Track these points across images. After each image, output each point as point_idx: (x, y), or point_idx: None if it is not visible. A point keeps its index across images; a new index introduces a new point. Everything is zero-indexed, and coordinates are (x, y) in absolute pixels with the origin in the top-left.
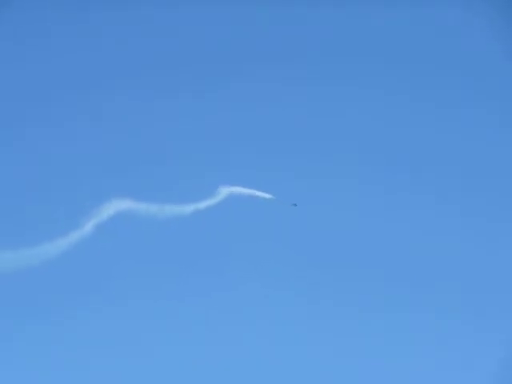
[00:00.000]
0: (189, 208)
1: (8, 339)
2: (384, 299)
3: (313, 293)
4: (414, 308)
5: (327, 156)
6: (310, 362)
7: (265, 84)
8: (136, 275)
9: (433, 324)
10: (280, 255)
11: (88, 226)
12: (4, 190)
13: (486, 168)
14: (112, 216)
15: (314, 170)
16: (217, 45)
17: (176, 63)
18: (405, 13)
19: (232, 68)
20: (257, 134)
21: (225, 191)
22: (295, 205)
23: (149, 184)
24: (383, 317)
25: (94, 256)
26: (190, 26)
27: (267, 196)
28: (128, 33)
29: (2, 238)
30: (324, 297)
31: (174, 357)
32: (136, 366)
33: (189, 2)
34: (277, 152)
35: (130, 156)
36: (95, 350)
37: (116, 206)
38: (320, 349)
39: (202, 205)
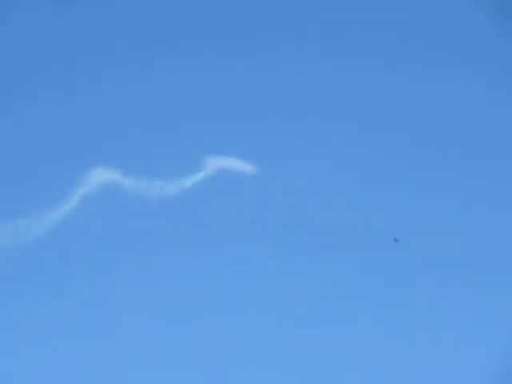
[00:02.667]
0: (173, 183)
1: None
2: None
3: (313, 276)
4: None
5: (324, 129)
6: (312, 346)
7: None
8: (122, 255)
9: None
10: (272, 236)
11: (73, 200)
12: None
13: (488, 164)
14: (97, 188)
15: (312, 143)
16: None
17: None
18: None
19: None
20: (247, 103)
21: (212, 163)
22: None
23: (131, 155)
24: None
25: (78, 232)
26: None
27: (252, 169)
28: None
29: None
30: (322, 279)
31: (165, 340)
32: (123, 349)
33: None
34: (267, 122)
35: (112, 126)
36: (80, 330)
37: (100, 177)
38: (320, 334)
39: (188, 180)
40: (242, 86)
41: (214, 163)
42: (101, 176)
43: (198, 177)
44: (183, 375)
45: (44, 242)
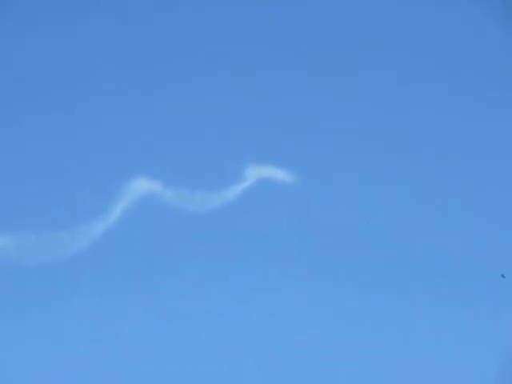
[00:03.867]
0: (214, 194)
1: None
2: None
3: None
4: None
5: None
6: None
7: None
8: (163, 268)
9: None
10: (316, 252)
11: (113, 212)
12: (22, 174)
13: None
14: (137, 200)
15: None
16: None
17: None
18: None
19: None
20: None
21: (253, 173)
22: (503, 276)
23: (172, 165)
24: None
25: (119, 246)
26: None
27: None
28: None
29: (25, 221)
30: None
31: (200, 349)
32: (150, 360)
33: None
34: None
35: (148, 135)
36: (115, 344)
37: (140, 188)
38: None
39: (229, 191)
40: (280, 92)
41: (255, 172)
42: (141, 187)
43: (239, 187)
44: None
45: (84, 255)
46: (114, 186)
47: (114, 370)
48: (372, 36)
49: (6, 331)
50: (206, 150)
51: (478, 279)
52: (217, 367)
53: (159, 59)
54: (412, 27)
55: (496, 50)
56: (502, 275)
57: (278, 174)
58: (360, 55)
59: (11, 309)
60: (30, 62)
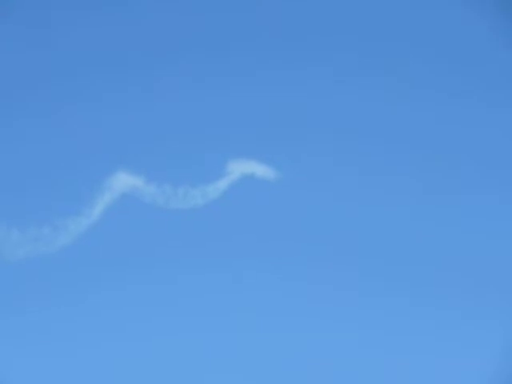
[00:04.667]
0: (197, 190)
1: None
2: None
3: (340, 284)
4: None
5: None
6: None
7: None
8: (145, 265)
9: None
10: (300, 249)
11: (95, 208)
12: (4, 170)
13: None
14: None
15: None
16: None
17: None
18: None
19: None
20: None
21: (236, 168)
22: None
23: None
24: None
25: (100, 241)
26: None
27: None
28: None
29: (8, 217)
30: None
31: (192, 348)
32: (140, 355)
33: None
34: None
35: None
36: (101, 339)
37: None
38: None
39: (212, 187)
40: (264, 89)
41: (238, 168)
42: (124, 183)
43: (222, 183)
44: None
45: (67, 251)
46: (96, 181)
47: (99, 364)
48: (370, 38)
49: None
50: (188, 146)
51: (477, 280)
52: (202, 366)
53: (145, 56)
54: (410, 30)
55: (491, 51)
56: None
57: (262, 169)
58: (342, 50)
59: None
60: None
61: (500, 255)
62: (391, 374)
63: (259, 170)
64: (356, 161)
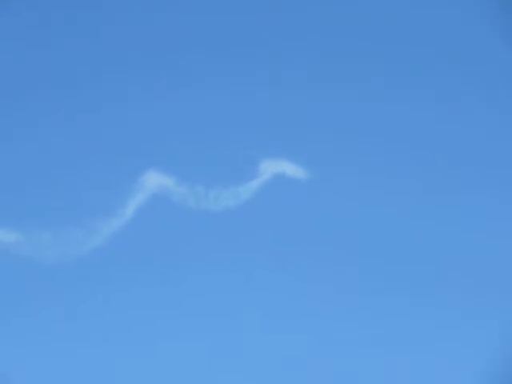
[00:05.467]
0: (228, 191)
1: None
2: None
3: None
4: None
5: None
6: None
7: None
8: (176, 268)
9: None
10: (331, 250)
11: (128, 209)
12: (36, 172)
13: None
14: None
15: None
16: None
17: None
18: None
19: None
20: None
21: (268, 168)
22: None
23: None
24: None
25: (131, 243)
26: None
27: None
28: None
29: (40, 219)
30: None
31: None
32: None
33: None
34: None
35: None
36: (131, 342)
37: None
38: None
39: (243, 188)
40: (297, 87)
41: (270, 168)
42: (155, 183)
43: (254, 183)
44: None
45: (99, 253)
46: (127, 182)
47: (128, 366)
48: (374, 39)
49: (21, 330)
50: (219, 146)
51: (477, 280)
52: (233, 368)
53: (172, 55)
54: (410, 30)
55: (492, 50)
56: None
57: (293, 169)
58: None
59: (27, 308)
60: (39, 61)
61: (500, 255)
62: (394, 375)
63: (291, 169)
64: (389, 163)
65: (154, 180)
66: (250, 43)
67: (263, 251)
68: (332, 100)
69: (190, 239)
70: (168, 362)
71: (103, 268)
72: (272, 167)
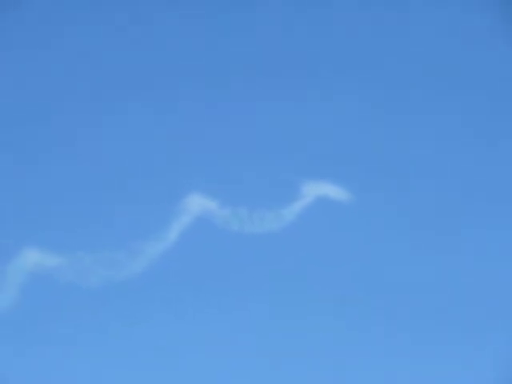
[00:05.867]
0: (272, 214)
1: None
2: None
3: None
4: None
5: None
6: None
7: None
8: (219, 293)
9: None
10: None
11: (170, 232)
12: (78, 194)
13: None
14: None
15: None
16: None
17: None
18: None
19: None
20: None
21: (311, 190)
22: None
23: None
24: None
25: (173, 268)
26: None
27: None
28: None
29: (82, 242)
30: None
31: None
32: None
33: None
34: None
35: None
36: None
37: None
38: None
39: (285, 211)
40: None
41: (313, 189)
42: (198, 206)
43: (297, 206)
44: None
45: (142, 276)
46: (169, 204)
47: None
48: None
49: (63, 355)
50: (261, 167)
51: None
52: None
53: (218, 76)
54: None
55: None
56: None
57: (335, 190)
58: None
59: (68, 331)
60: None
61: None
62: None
63: (333, 191)
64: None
65: (197, 202)
66: (292, 62)
67: (306, 273)
68: (376, 122)
69: (233, 262)
70: None
71: (146, 292)
72: (315, 189)
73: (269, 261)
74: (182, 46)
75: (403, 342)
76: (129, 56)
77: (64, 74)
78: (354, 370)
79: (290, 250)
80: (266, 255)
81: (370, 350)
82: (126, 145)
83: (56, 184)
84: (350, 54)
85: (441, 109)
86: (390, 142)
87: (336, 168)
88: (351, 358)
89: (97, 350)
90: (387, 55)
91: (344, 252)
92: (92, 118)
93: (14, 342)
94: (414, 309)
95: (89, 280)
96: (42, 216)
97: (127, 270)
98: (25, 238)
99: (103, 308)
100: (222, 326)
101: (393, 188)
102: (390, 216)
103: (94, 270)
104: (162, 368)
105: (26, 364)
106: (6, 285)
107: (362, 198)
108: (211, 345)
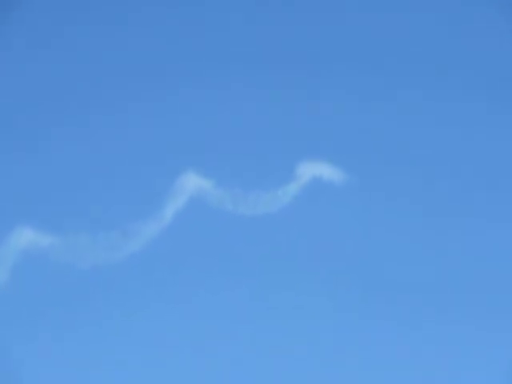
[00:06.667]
0: (267, 195)
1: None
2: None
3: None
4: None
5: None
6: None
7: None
8: (216, 272)
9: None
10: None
11: (165, 212)
12: (73, 175)
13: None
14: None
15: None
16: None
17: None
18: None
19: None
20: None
21: (306, 171)
22: None
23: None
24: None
25: (168, 247)
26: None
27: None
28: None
29: (77, 222)
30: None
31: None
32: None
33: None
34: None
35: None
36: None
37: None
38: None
39: (281, 191)
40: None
41: (308, 170)
42: (192, 186)
43: (292, 187)
44: None
45: (138, 256)
46: (164, 185)
47: (166, 373)
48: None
49: (56, 336)
50: (257, 148)
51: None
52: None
53: (208, 56)
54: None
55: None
56: None
57: (331, 171)
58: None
59: (64, 312)
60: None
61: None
62: None
63: (329, 172)
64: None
65: (193, 181)
66: (291, 55)
67: (301, 255)
68: (371, 103)
69: (228, 243)
70: (212, 369)
71: (141, 271)
72: (310, 170)
73: (264, 242)
74: (182, 40)
75: (398, 324)
76: (129, 56)
77: (64, 74)
78: (349, 353)
79: (285, 230)
80: (260, 236)
81: (365, 333)
82: (121, 125)
83: (50, 163)
84: (348, 40)
85: (439, 94)
86: (387, 122)
87: (332, 148)
88: (348, 344)
89: (91, 331)
90: (386, 43)
91: (339, 233)
92: (90, 113)
93: (5, 323)
94: (412, 292)
95: (83, 259)
96: (36, 195)
97: (122, 249)
98: (18, 217)
99: (97, 288)
100: (216, 305)
101: (389, 168)
102: (386, 197)
103: (88, 249)
104: (156, 348)
105: (18, 346)
106: None
107: (358, 178)
108: (205, 325)
